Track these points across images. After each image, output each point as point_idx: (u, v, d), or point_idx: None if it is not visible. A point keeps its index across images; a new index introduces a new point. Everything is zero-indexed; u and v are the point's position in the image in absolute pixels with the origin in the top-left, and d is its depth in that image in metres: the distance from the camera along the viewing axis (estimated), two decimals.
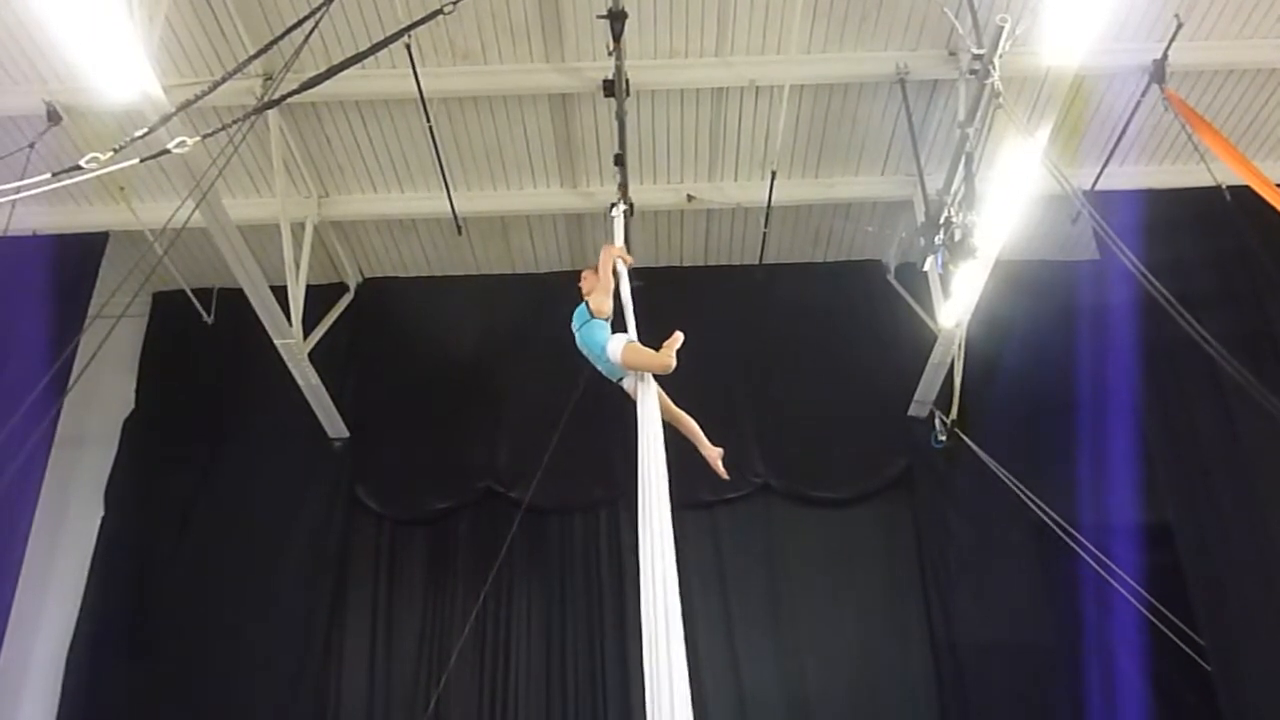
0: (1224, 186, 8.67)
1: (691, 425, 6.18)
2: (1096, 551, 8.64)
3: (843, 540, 9.50)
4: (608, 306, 6.21)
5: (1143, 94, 8.37)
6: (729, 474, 9.18)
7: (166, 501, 9.69)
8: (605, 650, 9.03)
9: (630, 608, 8.83)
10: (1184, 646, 8.30)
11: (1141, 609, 8.48)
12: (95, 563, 9.44)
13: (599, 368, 6.15)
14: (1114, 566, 8.59)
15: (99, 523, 9.63)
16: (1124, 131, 8.75)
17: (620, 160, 8.25)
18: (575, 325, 6.24)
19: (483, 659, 9.04)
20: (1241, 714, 7.85)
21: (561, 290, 8.88)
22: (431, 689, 8.71)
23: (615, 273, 6.49)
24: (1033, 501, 8.89)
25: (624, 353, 5.89)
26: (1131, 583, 8.54)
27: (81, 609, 9.27)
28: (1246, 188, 7.66)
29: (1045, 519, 8.85)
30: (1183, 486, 8.62)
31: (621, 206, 8.11)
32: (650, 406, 5.67)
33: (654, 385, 5.87)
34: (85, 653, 9.09)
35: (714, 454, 6.21)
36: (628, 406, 5.96)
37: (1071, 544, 8.73)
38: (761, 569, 9.34)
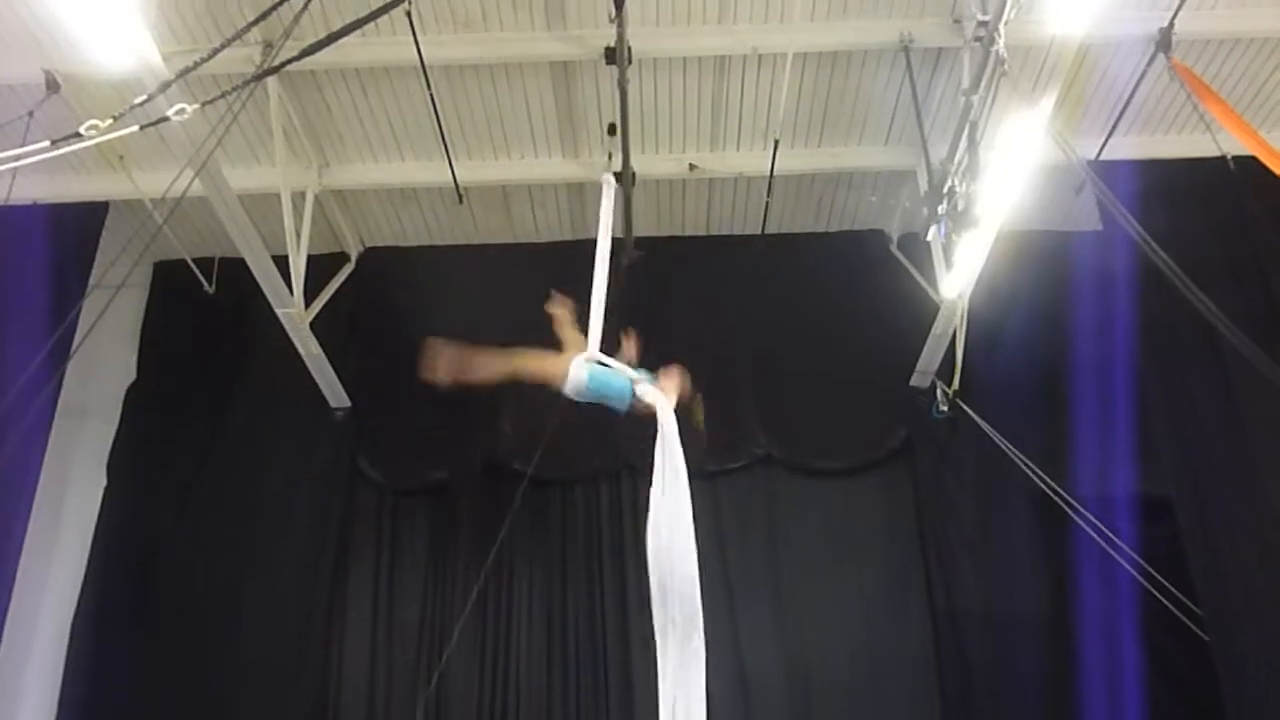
0: (1229, 157, 8.62)
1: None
2: (1097, 522, 8.67)
3: (843, 511, 9.52)
4: (584, 343, 6.46)
5: (1148, 63, 8.31)
6: (728, 446, 9.21)
7: (168, 471, 9.72)
8: (606, 622, 9.07)
9: (632, 579, 8.86)
10: (1182, 617, 8.34)
11: (1141, 580, 8.52)
12: (98, 534, 9.47)
13: (620, 408, 6.34)
14: (1114, 537, 8.62)
15: (101, 493, 9.65)
16: (1129, 101, 8.70)
17: (615, 130, 8.15)
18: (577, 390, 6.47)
19: (484, 630, 9.07)
20: (1239, 685, 7.89)
21: (562, 259, 8.84)
22: (434, 660, 8.75)
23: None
24: (1033, 472, 8.90)
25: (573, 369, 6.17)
26: (1131, 554, 8.57)
27: (85, 580, 9.30)
28: (1251, 158, 7.62)
29: (1046, 490, 8.87)
30: (1183, 458, 8.61)
31: (611, 177, 8.09)
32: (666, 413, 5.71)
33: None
34: (89, 624, 9.12)
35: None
36: None
37: (1072, 515, 8.76)
38: (762, 539, 9.36)
